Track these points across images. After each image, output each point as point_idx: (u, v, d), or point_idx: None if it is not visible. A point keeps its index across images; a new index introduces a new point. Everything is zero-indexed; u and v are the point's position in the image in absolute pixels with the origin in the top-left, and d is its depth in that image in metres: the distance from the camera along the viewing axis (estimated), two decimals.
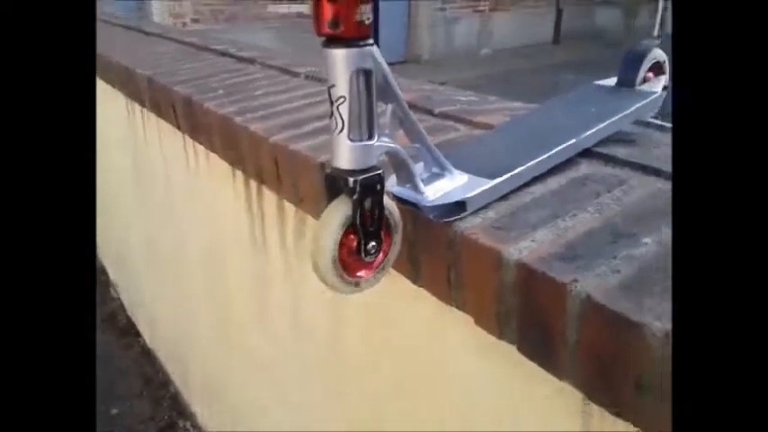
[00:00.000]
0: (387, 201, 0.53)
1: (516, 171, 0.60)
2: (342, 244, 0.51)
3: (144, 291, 2.07)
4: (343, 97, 0.48)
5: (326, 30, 0.47)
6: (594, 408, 0.48)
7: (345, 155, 0.50)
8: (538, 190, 0.61)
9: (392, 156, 0.55)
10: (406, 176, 0.58)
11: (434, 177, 0.60)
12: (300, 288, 0.96)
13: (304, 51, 1.56)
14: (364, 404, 0.86)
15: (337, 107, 0.49)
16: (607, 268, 0.47)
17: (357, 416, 0.88)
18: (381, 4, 9.30)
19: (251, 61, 1.39)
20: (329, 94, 0.49)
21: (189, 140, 1.22)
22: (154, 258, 1.85)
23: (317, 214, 0.80)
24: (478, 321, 0.55)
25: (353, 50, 0.48)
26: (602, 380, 0.45)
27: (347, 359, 0.89)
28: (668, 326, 0.43)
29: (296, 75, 1.22)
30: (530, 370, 0.50)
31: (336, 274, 0.52)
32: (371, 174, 0.50)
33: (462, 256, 0.55)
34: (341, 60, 0.48)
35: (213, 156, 1.09)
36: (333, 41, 0.48)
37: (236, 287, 1.25)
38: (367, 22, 0.48)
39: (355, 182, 0.49)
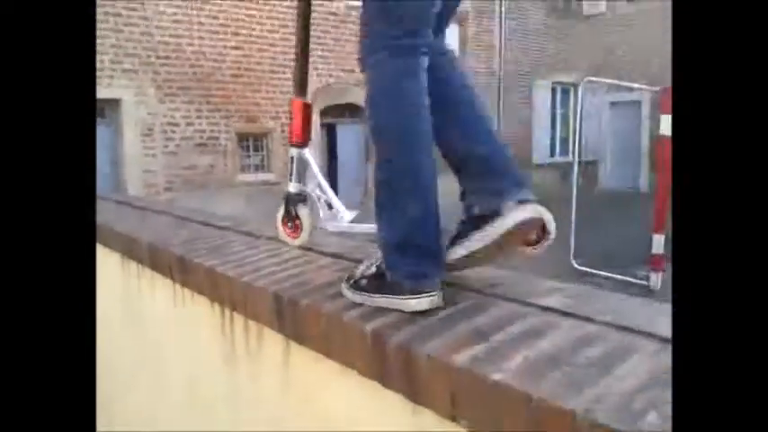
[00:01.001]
0: (301, 208, 1.34)
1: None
2: (283, 223, 1.38)
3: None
4: (292, 158, 1.32)
5: (292, 142, 1.31)
6: None
7: (288, 187, 1.33)
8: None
9: (308, 193, 1.35)
10: (318, 206, 1.36)
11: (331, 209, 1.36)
12: (259, 382, 1.33)
13: (268, 215, 2.02)
14: None
15: (290, 166, 1.32)
16: None
17: None
18: (341, 173, 10.32)
19: (227, 228, 1.87)
20: (290, 161, 1.33)
21: (179, 287, 1.63)
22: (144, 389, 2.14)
23: (271, 326, 1.22)
24: None
25: (300, 150, 1.32)
26: None
27: None
28: None
29: (258, 237, 1.69)
30: None
31: (281, 235, 1.39)
32: (295, 194, 1.32)
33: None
34: (293, 151, 1.31)
35: (198, 296, 1.50)
36: (293, 145, 1.32)
37: (212, 396, 1.58)
38: (306, 139, 1.34)
39: (285, 197, 1.33)
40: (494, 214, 1.06)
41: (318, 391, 1.15)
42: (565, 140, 14.85)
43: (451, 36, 11.71)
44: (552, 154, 14.75)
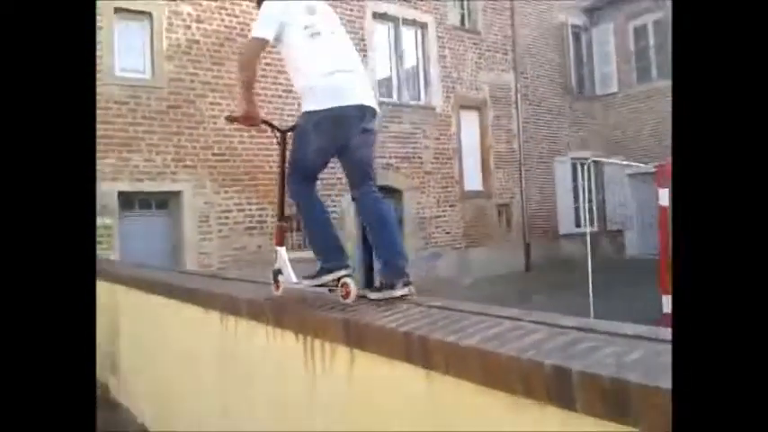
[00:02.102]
0: (279, 275, 2.57)
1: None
2: (273, 283, 2.64)
3: None
4: (276, 251, 2.66)
5: (275, 244, 2.64)
6: None
7: (275, 265, 2.63)
8: None
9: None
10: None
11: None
12: (333, 400, 2.02)
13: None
14: None
15: (275, 255, 2.66)
16: None
17: None
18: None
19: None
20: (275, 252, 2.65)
21: (271, 328, 2.37)
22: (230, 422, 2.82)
23: (339, 342, 1.93)
24: None
25: (278, 247, 2.64)
26: None
27: None
28: None
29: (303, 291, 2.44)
30: None
31: (272, 289, 2.61)
32: (277, 269, 2.59)
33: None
34: (276, 248, 2.65)
35: (286, 331, 2.23)
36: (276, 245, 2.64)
37: (294, 401, 2.26)
38: (280, 243, 2.70)
39: (273, 271, 2.60)
40: (390, 287, 2.25)
41: (373, 380, 1.85)
42: (590, 211, 15.42)
43: (471, 121, 12.79)
44: (578, 224, 15.30)
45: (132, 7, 8.32)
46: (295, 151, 2.34)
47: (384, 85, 11.35)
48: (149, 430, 4.07)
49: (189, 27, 8.75)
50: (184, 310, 3.36)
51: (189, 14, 8.75)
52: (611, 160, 9.63)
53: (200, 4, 8.86)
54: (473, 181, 12.83)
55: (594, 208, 15.31)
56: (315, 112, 2.21)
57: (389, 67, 11.52)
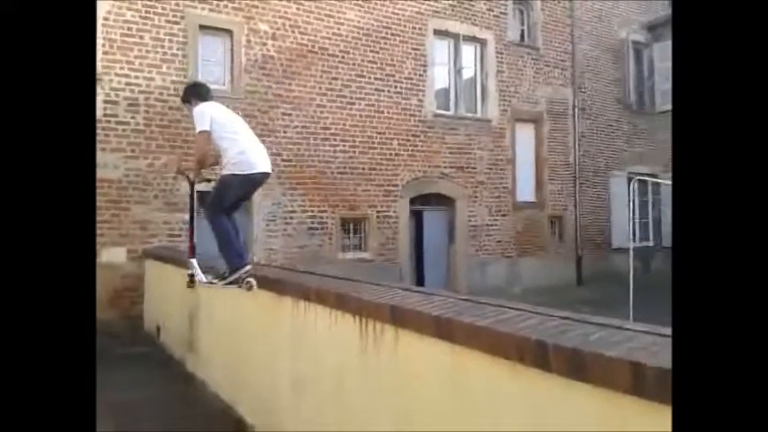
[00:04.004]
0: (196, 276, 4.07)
1: None
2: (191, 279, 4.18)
3: (289, 419, 3.61)
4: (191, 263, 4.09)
5: (188, 257, 4.18)
6: None
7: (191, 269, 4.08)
8: None
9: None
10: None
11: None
12: (381, 369, 2.59)
13: (360, 275, 3.38)
14: None
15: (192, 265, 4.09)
16: None
17: None
18: (426, 254, 11.62)
19: (347, 279, 3.22)
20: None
21: (333, 311, 2.97)
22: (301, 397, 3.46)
23: (386, 322, 2.51)
24: None
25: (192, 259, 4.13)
26: None
27: None
28: None
29: (357, 281, 3.02)
30: None
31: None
32: (190, 273, 4.07)
33: None
34: (191, 259, 4.16)
35: (345, 314, 2.83)
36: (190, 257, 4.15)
37: (353, 372, 2.85)
38: (192, 256, 4.19)
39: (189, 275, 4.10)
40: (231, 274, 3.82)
41: (411, 353, 2.41)
42: (645, 225, 15.32)
43: (527, 134, 13.10)
44: (633, 239, 15.23)
45: (215, 25, 9.26)
46: (219, 193, 3.87)
47: (442, 98, 11.87)
48: (221, 398, 4.77)
49: (265, 44, 9.61)
50: (259, 295, 4.04)
51: (265, 32, 9.60)
52: (667, 176, 9.74)
53: (276, 23, 9.70)
54: (526, 192, 13.12)
55: (650, 223, 15.21)
56: (236, 174, 3.75)
57: (448, 81, 12.03)
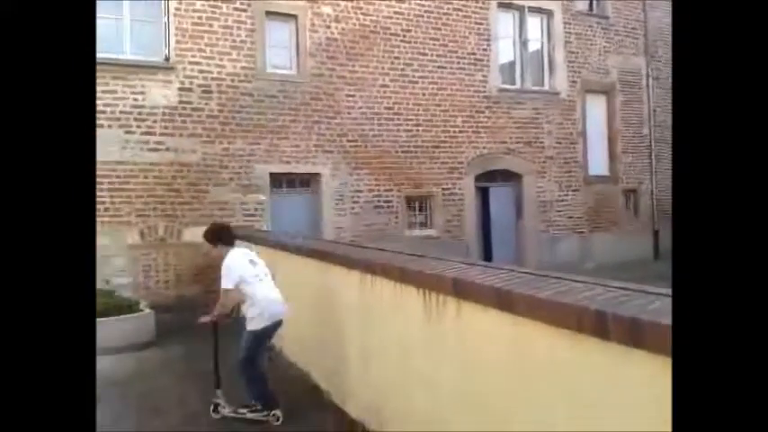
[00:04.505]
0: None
1: None
2: None
3: (358, 385, 3.82)
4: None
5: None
6: None
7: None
8: None
9: None
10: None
11: None
12: (445, 339, 2.71)
13: (426, 251, 3.47)
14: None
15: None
16: None
17: None
18: (493, 230, 11.55)
19: (421, 256, 3.33)
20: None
21: (398, 284, 3.10)
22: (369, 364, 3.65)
23: (450, 295, 2.61)
24: None
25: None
26: None
27: None
28: None
29: (422, 257, 3.12)
30: None
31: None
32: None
33: None
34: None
35: (409, 287, 2.96)
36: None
37: (417, 342, 2.99)
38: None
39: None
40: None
41: (473, 324, 2.51)
42: None
43: (598, 106, 12.59)
44: None
45: (280, 10, 9.51)
46: (250, 345, 4.12)
47: (507, 72, 11.62)
48: (298, 366, 5.07)
49: (328, 26, 9.77)
50: (330, 269, 4.24)
51: (328, 15, 9.76)
52: None
53: (338, 5, 9.83)
54: (598, 166, 12.68)
55: None
56: (260, 328, 4.10)
57: (513, 54, 11.75)
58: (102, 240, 8.12)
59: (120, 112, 8.25)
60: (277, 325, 4.15)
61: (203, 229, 8.62)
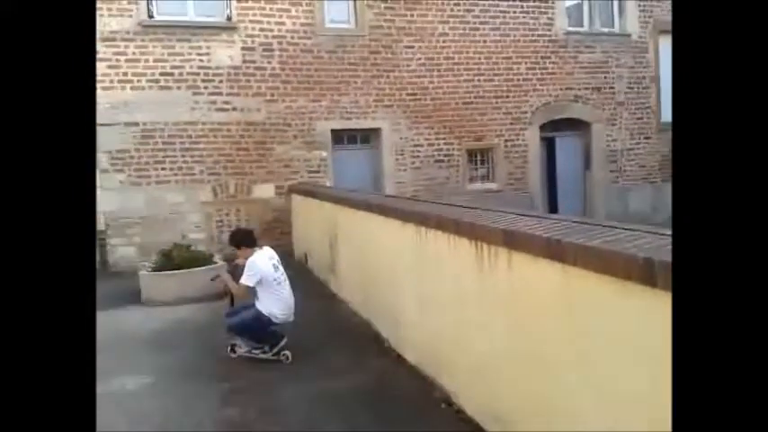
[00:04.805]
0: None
1: None
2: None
3: (415, 333, 3.97)
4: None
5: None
6: None
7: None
8: None
9: None
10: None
11: None
12: (497, 288, 2.76)
13: (487, 205, 3.48)
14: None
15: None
16: None
17: None
18: (559, 182, 11.24)
19: (474, 208, 3.36)
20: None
21: (451, 236, 3.17)
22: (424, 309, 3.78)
23: (500, 245, 2.65)
24: None
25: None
26: None
27: None
28: None
29: (475, 209, 3.14)
30: None
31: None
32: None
33: None
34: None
35: (462, 238, 3.01)
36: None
37: (469, 289, 3.07)
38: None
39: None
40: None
41: (524, 273, 2.54)
42: None
43: None
44: None
45: None
46: (255, 323, 4.41)
47: (574, 13, 11.00)
48: (360, 315, 5.29)
49: None
50: (387, 223, 4.36)
51: None
52: None
53: None
54: None
55: None
56: (270, 319, 4.42)
57: None
58: (178, 198, 8.64)
59: (188, 73, 8.57)
60: (279, 325, 4.46)
61: (271, 185, 9.10)
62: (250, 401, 3.70)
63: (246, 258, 4.46)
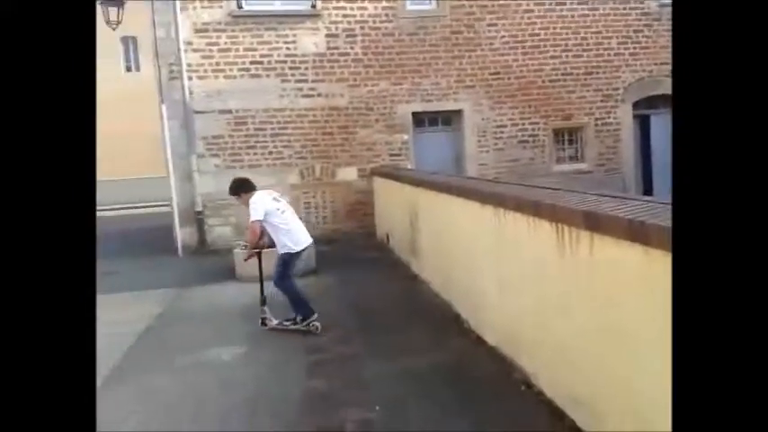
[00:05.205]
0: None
1: None
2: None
3: (494, 315, 4.00)
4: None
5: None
6: None
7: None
8: None
9: None
10: None
11: None
12: (578, 271, 2.73)
13: (576, 186, 3.40)
14: None
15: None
16: None
17: None
18: (654, 162, 10.60)
19: (556, 189, 3.31)
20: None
21: (531, 218, 3.15)
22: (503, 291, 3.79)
23: (581, 228, 2.61)
24: None
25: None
26: None
27: None
28: None
29: (556, 191, 3.08)
30: None
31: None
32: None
33: None
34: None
35: (542, 221, 2.99)
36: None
37: (550, 266, 3.05)
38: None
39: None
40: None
41: (607, 256, 2.50)
42: None
43: None
44: None
45: None
46: (283, 268, 4.83)
47: None
48: (441, 296, 5.37)
49: None
50: (466, 205, 4.38)
51: None
52: None
53: None
54: None
55: None
56: (291, 251, 4.84)
57: None
58: (269, 180, 9.05)
59: (276, 61, 8.93)
60: (303, 252, 4.91)
61: (354, 168, 9.32)
62: (335, 374, 3.90)
63: (248, 201, 4.80)
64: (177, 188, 8.83)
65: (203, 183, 8.78)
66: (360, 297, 5.90)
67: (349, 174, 9.40)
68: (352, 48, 9.18)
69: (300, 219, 6.97)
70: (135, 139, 19.43)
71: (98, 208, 18.31)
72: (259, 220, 4.70)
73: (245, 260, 5.17)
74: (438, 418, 3.15)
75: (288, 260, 4.79)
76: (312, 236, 7.71)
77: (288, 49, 8.96)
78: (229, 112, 8.86)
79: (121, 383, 3.96)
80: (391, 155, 9.44)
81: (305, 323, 4.74)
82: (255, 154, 9.03)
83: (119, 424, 3.31)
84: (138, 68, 20.94)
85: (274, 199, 4.89)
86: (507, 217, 3.52)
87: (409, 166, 9.34)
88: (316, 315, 4.75)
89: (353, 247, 8.55)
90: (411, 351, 4.20)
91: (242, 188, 4.98)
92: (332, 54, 9.12)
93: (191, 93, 8.66)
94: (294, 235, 4.82)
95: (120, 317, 5.44)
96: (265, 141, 9.03)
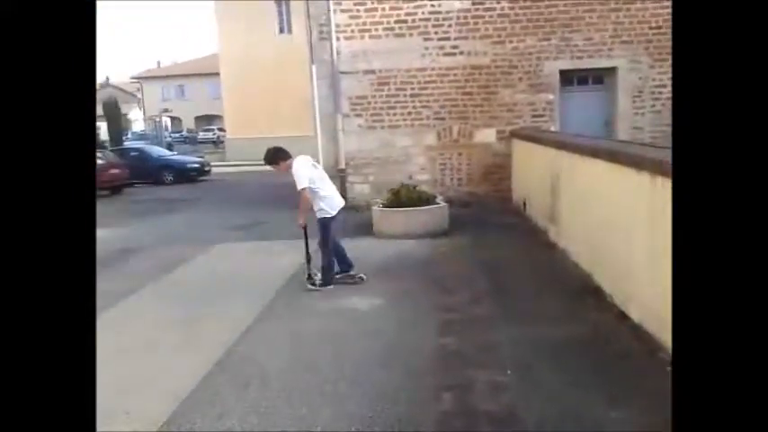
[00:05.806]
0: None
1: None
2: None
3: (643, 290, 3.73)
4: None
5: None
6: None
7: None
8: None
9: None
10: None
11: None
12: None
13: None
14: None
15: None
16: None
17: None
18: None
19: None
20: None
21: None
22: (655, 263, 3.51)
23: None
24: None
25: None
26: None
27: None
28: None
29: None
30: None
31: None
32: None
33: None
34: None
35: None
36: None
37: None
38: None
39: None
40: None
41: None
42: None
43: None
44: None
45: None
46: (324, 232, 5.16)
47: None
48: (581, 266, 5.11)
49: None
50: (617, 170, 4.06)
51: None
52: None
53: None
54: None
55: None
56: (327, 216, 5.10)
57: None
58: (407, 141, 9.20)
59: (420, 19, 8.87)
60: (338, 215, 5.14)
61: (493, 130, 9.07)
62: (467, 334, 3.93)
63: (288, 169, 4.98)
64: (323, 147, 9.29)
65: (347, 142, 9.14)
66: (493, 261, 5.83)
67: (487, 135, 9.18)
68: (498, 2, 8.80)
69: (435, 181, 7.03)
70: (285, 99, 20.70)
71: (248, 162, 19.63)
72: (306, 188, 4.91)
73: (300, 227, 5.24)
74: (572, 392, 3.05)
75: (327, 224, 5.09)
76: (446, 198, 7.76)
77: (432, 6, 8.84)
78: (373, 72, 9.04)
79: (269, 323, 4.38)
80: (534, 116, 9.03)
81: (345, 275, 5.21)
82: (395, 114, 9.16)
83: (267, 358, 3.67)
84: (290, 30, 22.10)
85: (313, 165, 5.12)
86: (666, 185, 3.21)
87: (553, 129, 8.88)
88: (354, 268, 5.28)
89: (488, 211, 8.42)
90: (546, 320, 4.09)
91: (278, 156, 5.17)
92: (477, 9, 8.84)
93: (338, 53, 8.95)
94: (331, 200, 5.10)
95: (271, 262, 5.93)
96: (405, 102, 9.11)
